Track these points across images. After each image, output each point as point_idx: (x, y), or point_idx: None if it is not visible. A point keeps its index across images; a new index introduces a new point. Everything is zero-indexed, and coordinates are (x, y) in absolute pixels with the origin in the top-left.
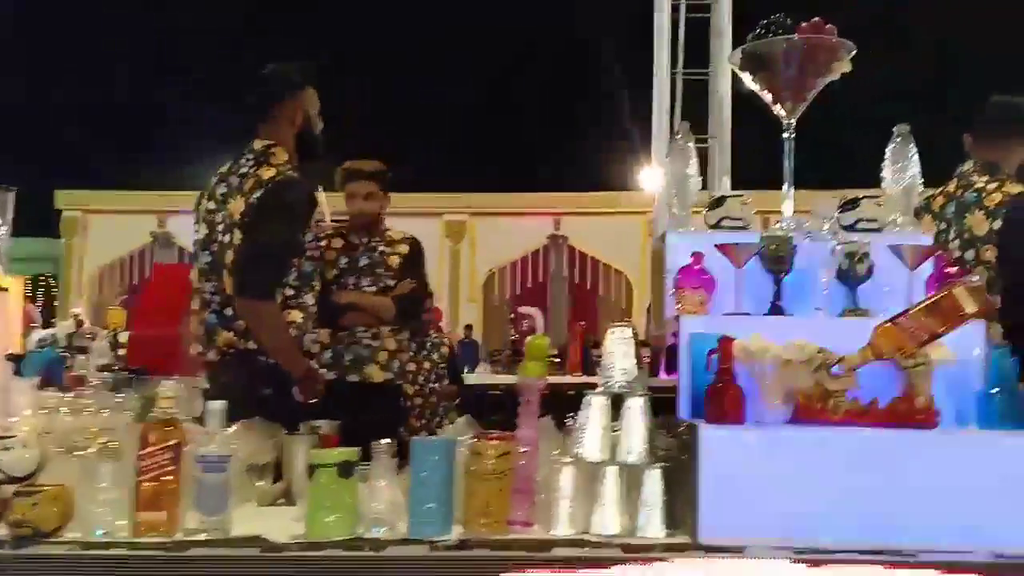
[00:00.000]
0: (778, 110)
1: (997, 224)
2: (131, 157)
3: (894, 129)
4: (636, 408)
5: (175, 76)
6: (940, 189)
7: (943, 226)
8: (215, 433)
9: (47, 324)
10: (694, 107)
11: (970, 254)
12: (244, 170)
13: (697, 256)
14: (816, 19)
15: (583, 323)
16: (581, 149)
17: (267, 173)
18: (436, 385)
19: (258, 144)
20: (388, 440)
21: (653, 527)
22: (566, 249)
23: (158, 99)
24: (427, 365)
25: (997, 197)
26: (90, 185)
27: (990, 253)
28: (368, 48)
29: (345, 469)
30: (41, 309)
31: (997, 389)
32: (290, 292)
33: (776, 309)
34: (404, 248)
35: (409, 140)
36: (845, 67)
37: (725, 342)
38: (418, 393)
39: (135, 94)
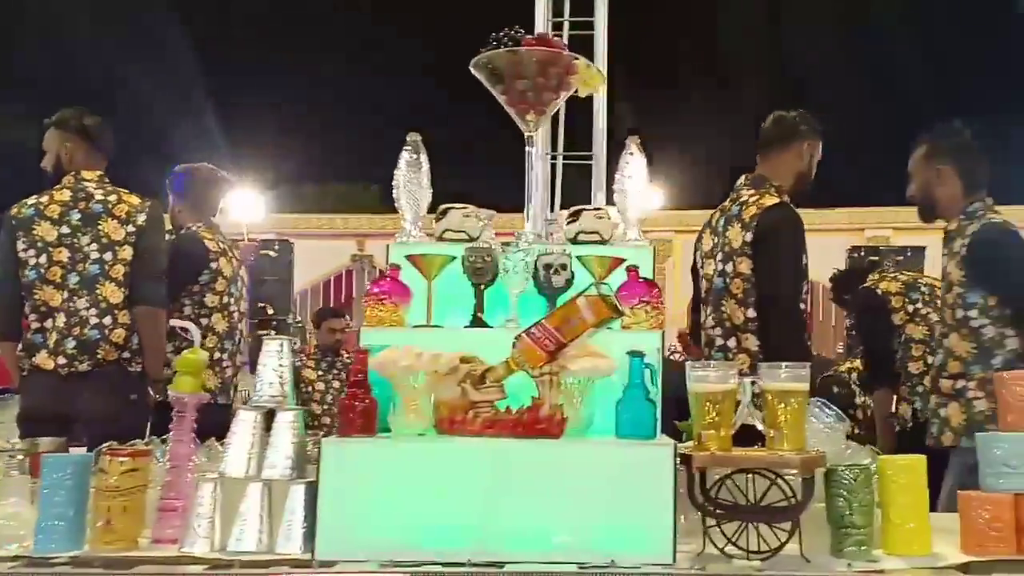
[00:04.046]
0: (520, 123)
1: (749, 235)
2: None
3: (627, 140)
4: (284, 423)
5: None
6: (720, 205)
7: (715, 240)
8: None
9: None
10: (576, 124)
11: (729, 266)
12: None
13: (394, 268)
14: (542, 31)
15: None
16: None
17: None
18: None
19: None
20: (20, 456)
21: (293, 544)
22: None
23: None
24: (336, 384)
25: (752, 210)
26: None
27: (744, 265)
28: None
29: None
30: None
31: (629, 398)
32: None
33: (477, 321)
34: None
35: None
36: (590, 83)
37: (359, 354)
38: (326, 412)
39: None
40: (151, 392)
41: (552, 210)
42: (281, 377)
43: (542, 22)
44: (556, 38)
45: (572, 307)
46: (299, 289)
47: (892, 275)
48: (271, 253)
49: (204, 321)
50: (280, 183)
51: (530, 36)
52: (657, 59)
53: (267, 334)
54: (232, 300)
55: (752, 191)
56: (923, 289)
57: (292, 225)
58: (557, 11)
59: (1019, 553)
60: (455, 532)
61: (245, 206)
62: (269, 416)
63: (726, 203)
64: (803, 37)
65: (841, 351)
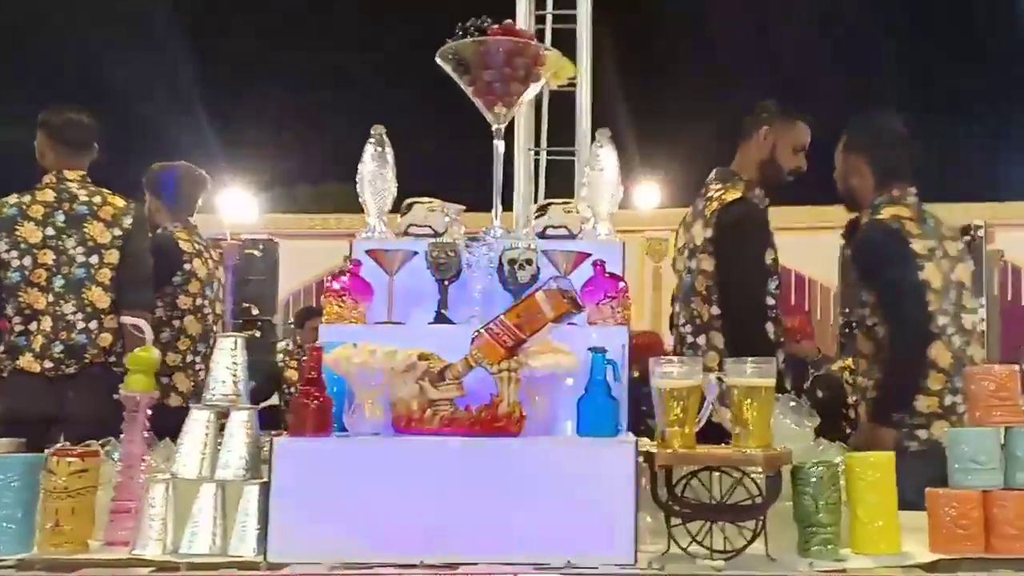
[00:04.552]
0: (488, 115)
1: (710, 232)
2: None
3: (597, 134)
4: (238, 422)
5: None
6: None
7: (686, 236)
8: None
9: None
10: (559, 120)
11: (694, 263)
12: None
13: (355, 264)
14: (508, 21)
15: None
16: None
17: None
18: None
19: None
20: None
21: (247, 545)
22: None
23: None
24: None
25: (714, 205)
26: None
27: (707, 262)
28: None
29: None
30: None
31: (591, 395)
32: None
33: (441, 317)
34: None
35: None
36: (561, 74)
37: (313, 351)
38: None
39: None
40: None
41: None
42: (235, 376)
43: (524, 14)
44: (524, 28)
45: (531, 302)
46: (292, 290)
47: None
48: (256, 253)
49: (177, 323)
50: (274, 183)
51: (496, 26)
52: (656, 58)
53: (251, 335)
54: (206, 302)
55: (719, 185)
56: None
57: (285, 225)
58: (541, 3)
59: (988, 551)
60: (410, 533)
61: (238, 206)
62: (224, 416)
63: (696, 199)
64: (801, 33)
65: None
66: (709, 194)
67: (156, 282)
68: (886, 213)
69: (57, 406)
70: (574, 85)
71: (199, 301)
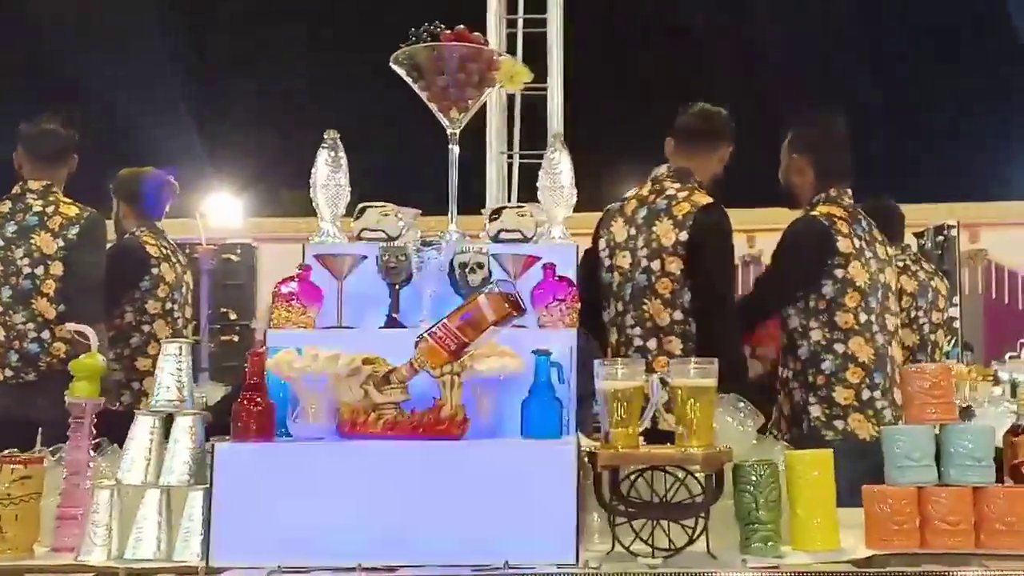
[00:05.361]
0: (443, 120)
1: (684, 235)
2: None
3: (551, 138)
4: (183, 428)
5: None
6: (634, 192)
7: (633, 231)
8: None
9: None
10: (532, 123)
11: (656, 264)
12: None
13: (305, 269)
14: (461, 27)
15: None
16: None
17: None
18: None
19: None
20: None
21: (191, 550)
22: None
23: None
24: None
25: (686, 207)
26: None
27: (675, 265)
28: None
29: None
30: None
31: (535, 397)
32: None
33: (392, 321)
34: None
35: None
36: (517, 79)
37: (254, 356)
38: None
39: None
40: None
41: None
42: (179, 381)
43: (495, 19)
44: (477, 33)
45: (472, 305)
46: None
47: None
48: (234, 257)
49: (146, 328)
50: (259, 186)
51: (449, 31)
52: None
53: (228, 340)
54: (176, 306)
55: (678, 185)
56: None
57: (269, 228)
58: (512, 8)
59: (923, 546)
60: (350, 536)
61: (222, 209)
62: (169, 421)
63: (643, 193)
64: (773, 36)
65: None
66: (668, 192)
67: (123, 286)
68: (820, 211)
69: (31, 411)
70: (545, 90)
71: (168, 305)
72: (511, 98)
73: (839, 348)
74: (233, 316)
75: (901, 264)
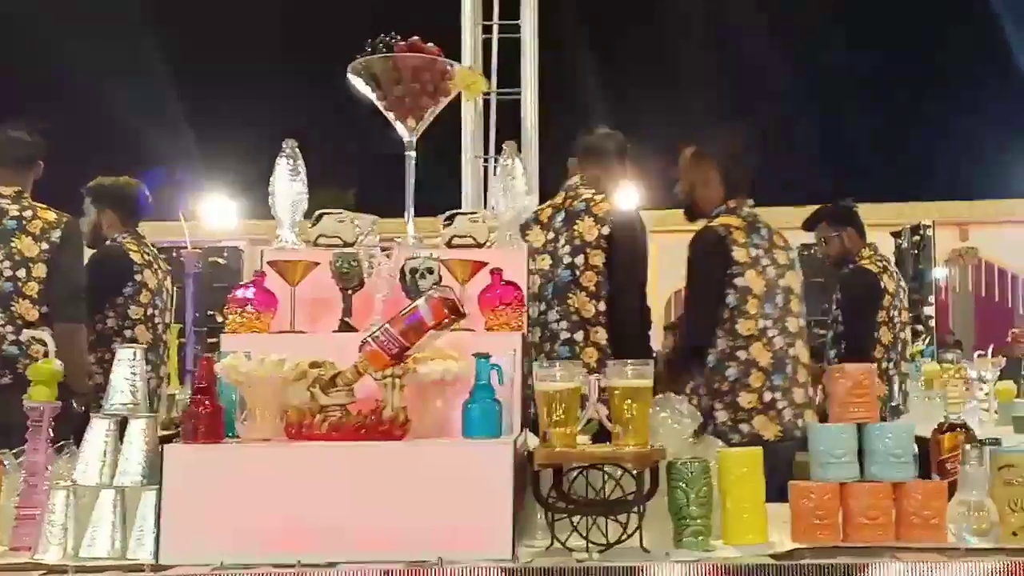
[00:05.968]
0: (400, 128)
1: (606, 230)
2: None
3: (504, 146)
4: (137, 430)
5: None
6: (548, 203)
7: (551, 235)
8: None
9: None
10: (507, 127)
11: (580, 259)
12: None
13: (259, 275)
14: (415, 38)
15: None
16: None
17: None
18: None
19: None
20: None
21: (144, 549)
22: None
23: None
24: None
25: (606, 206)
26: None
27: (598, 258)
28: None
29: None
30: None
31: (476, 399)
32: None
33: (344, 325)
34: None
35: None
36: (473, 88)
37: (204, 361)
38: None
39: None
40: (73, 404)
41: None
42: (133, 385)
43: (469, 25)
44: (430, 44)
45: (413, 310)
46: None
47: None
48: (220, 260)
49: (128, 333)
50: (255, 189)
51: (403, 42)
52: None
53: (215, 343)
54: (156, 312)
55: (593, 191)
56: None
57: (265, 231)
58: (487, 14)
59: (845, 540)
60: (293, 535)
61: (216, 212)
62: (125, 424)
63: (557, 201)
64: (757, 37)
65: None
66: (583, 196)
67: (107, 292)
68: (719, 221)
69: (9, 414)
70: (519, 94)
71: (150, 311)
72: (486, 103)
73: (741, 355)
74: (220, 319)
75: (881, 265)
